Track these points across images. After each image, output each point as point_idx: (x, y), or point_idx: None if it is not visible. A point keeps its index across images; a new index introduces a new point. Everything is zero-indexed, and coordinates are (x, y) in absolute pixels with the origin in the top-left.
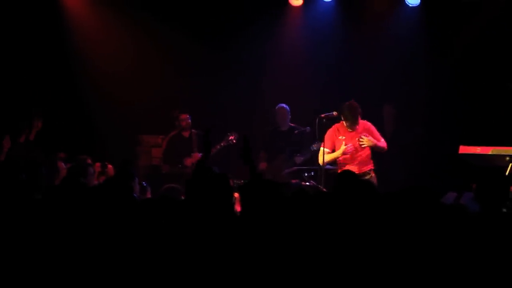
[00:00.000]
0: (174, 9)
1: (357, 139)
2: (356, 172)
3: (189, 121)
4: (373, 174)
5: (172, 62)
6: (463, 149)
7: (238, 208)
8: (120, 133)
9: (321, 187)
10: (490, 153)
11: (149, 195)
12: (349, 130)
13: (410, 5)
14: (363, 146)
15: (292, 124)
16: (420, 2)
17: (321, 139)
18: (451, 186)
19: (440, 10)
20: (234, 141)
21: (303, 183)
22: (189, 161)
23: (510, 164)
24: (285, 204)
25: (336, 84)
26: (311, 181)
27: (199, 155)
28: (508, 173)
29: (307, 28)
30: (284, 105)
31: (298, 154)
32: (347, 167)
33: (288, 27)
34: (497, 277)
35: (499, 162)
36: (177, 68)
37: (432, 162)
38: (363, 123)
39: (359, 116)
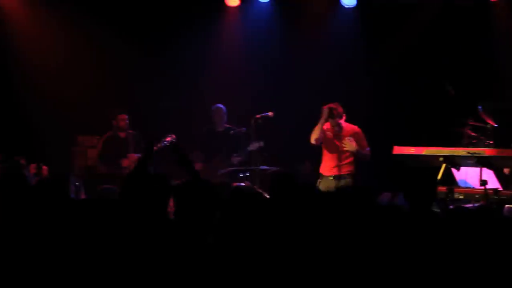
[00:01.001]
0: (111, 11)
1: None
2: (334, 174)
3: (127, 121)
4: (349, 179)
5: (109, 62)
6: (397, 150)
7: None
8: (55, 133)
9: (257, 188)
10: (424, 153)
11: (82, 196)
12: (334, 129)
13: (346, 6)
14: (344, 149)
15: (228, 125)
16: (356, 4)
17: (257, 140)
18: (386, 187)
19: (376, 12)
20: (173, 142)
21: (240, 183)
22: (125, 162)
23: (444, 165)
24: (221, 204)
25: (273, 85)
26: (247, 181)
27: (135, 156)
28: (442, 174)
29: (244, 29)
30: (220, 105)
31: (235, 155)
32: (327, 167)
33: (225, 27)
34: (429, 276)
35: (432, 162)
36: (115, 68)
37: (368, 162)
38: (352, 128)
39: (327, 116)
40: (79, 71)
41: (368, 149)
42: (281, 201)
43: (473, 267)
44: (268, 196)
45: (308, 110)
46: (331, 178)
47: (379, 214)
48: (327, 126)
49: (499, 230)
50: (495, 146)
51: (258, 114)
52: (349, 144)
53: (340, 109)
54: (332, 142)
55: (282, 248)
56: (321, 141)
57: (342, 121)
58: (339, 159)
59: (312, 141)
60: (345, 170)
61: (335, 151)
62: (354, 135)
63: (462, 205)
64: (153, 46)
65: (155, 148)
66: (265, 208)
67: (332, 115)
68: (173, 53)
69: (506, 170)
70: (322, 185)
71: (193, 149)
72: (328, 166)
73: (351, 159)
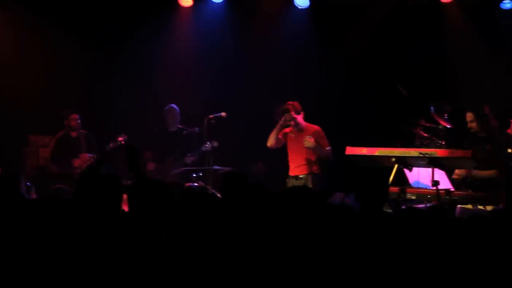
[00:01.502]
0: (64, 10)
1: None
2: (297, 174)
3: (79, 121)
4: (311, 178)
5: (62, 62)
6: (350, 150)
7: (125, 208)
8: (7, 133)
9: (210, 188)
10: (376, 154)
11: (34, 196)
12: (295, 129)
13: (299, 7)
14: (304, 146)
15: (181, 126)
16: (310, 5)
17: (210, 140)
18: (340, 187)
19: (329, 12)
20: (123, 142)
21: (193, 184)
22: (77, 162)
23: (396, 165)
24: (174, 204)
25: (226, 85)
26: (200, 181)
27: (87, 156)
28: (394, 175)
29: (197, 29)
30: (174, 105)
31: (189, 154)
32: (291, 168)
33: (178, 27)
34: (377, 276)
35: (385, 163)
36: (67, 68)
37: (322, 162)
38: (312, 127)
39: (284, 114)
40: (31, 70)
41: (329, 148)
42: (232, 201)
43: (425, 267)
44: (220, 196)
45: (261, 110)
46: (295, 178)
47: (329, 214)
48: (289, 129)
49: (450, 230)
50: (447, 146)
51: (211, 114)
52: (308, 141)
53: (298, 106)
54: (294, 143)
55: (233, 247)
56: (276, 145)
57: (300, 118)
58: (301, 159)
59: (268, 145)
60: (308, 170)
61: (297, 151)
62: (314, 133)
63: (414, 206)
64: (107, 46)
65: (107, 148)
66: (217, 208)
67: (287, 110)
68: (127, 53)
69: (455, 175)
70: (289, 186)
71: (146, 149)
72: (291, 167)
73: (313, 158)
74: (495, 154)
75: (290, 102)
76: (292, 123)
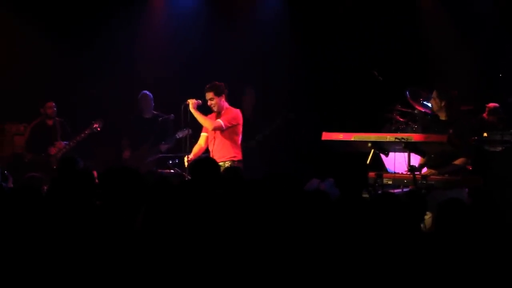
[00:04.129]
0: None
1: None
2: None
3: (55, 109)
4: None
5: (37, 50)
6: (326, 136)
7: None
8: None
9: (186, 175)
10: (352, 139)
11: (11, 185)
12: (214, 110)
13: None
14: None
15: (156, 112)
16: None
17: (186, 126)
18: (316, 173)
19: None
20: (99, 128)
21: (167, 171)
22: (52, 150)
23: (372, 150)
24: (148, 192)
25: (202, 71)
26: (176, 168)
27: (63, 143)
28: (370, 160)
29: (171, 15)
30: (147, 92)
31: (163, 142)
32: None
33: (152, 14)
34: (358, 261)
35: (361, 148)
36: (42, 56)
37: (296, 149)
38: (231, 111)
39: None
40: (5, 58)
41: (218, 121)
42: (206, 188)
43: (402, 252)
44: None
45: (235, 94)
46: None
47: (303, 201)
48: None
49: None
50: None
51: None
52: (191, 101)
53: (218, 85)
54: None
55: (207, 234)
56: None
57: (219, 100)
58: (219, 144)
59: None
60: (221, 158)
61: (213, 138)
62: (225, 110)
63: (391, 190)
64: (82, 34)
65: (82, 134)
66: (190, 196)
67: (207, 90)
68: (102, 40)
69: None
70: None
71: (122, 136)
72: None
73: (226, 145)
74: (458, 139)
75: (216, 83)
76: (212, 103)
